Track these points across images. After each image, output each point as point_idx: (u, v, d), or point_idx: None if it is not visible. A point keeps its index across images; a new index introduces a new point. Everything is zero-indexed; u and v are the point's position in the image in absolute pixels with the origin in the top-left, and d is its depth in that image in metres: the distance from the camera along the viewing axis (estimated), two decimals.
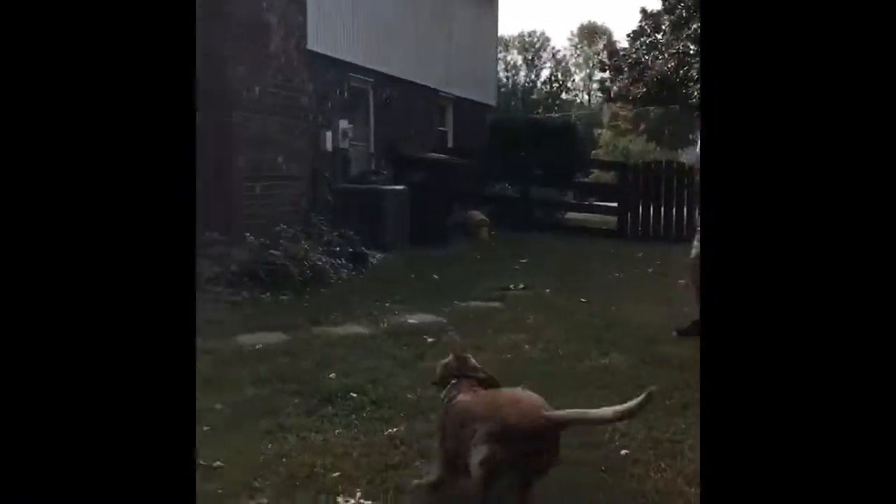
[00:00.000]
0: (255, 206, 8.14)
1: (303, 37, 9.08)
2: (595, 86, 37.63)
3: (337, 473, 3.10)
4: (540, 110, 26.87)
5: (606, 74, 22.60)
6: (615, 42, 30.42)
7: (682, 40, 18.63)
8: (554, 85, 33.66)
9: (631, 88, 19.82)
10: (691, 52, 17.95)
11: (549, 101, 29.88)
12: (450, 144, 14.80)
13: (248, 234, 7.53)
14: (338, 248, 7.99)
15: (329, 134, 10.22)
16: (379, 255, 8.89)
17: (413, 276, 8.07)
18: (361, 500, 2.91)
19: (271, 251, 7.03)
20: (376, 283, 7.57)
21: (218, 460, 3.20)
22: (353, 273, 7.92)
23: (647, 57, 19.89)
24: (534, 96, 30.39)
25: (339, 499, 2.91)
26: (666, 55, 19.12)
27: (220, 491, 2.98)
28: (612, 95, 22.14)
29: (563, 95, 34.36)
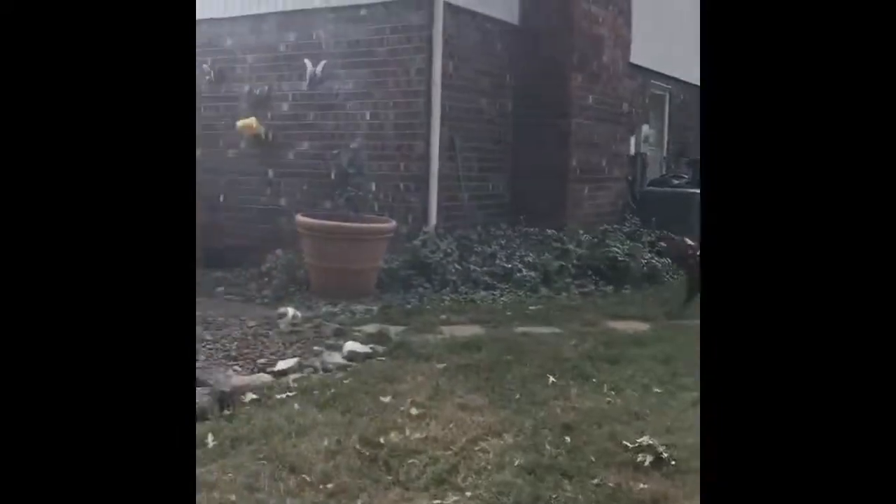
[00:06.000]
0: (584, 206, 8.83)
1: (627, 48, 9.64)
2: None
3: None
4: None
5: None
6: None
7: None
8: None
9: None
10: None
11: None
12: None
13: (581, 232, 8.22)
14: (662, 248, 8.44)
15: (633, 139, 10.71)
16: None
17: None
18: None
19: (612, 248, 7.63)
20: None
21: None
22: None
23: None
24: None
25: None
26: None
27: None
28: None
29: None
